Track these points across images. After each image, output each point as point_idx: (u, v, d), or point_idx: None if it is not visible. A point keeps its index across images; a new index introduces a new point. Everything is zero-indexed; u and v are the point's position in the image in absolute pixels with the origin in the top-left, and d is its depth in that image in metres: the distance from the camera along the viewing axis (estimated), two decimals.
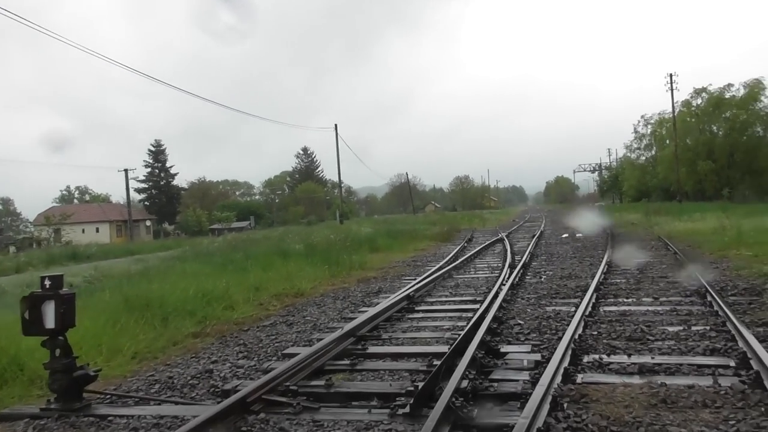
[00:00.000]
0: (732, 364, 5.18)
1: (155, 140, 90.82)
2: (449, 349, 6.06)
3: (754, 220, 18.48)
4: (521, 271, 12.78)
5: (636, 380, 4.95)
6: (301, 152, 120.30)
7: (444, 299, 9.97)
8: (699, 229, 19.84)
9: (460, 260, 15.97)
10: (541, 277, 11.87)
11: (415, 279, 12.49)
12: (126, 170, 49.02)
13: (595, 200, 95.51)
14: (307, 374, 5.98)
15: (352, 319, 8.64)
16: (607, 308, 8.25)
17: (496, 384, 5.09)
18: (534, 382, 5.04)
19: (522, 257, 15.34)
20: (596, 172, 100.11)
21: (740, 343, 5.66)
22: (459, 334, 6.74)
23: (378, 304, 9.61)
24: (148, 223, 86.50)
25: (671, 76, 43.58)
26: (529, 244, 19.49)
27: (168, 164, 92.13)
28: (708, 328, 6.57)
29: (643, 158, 60.40)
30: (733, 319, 6.51)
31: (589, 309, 8.00)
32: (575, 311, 7.76)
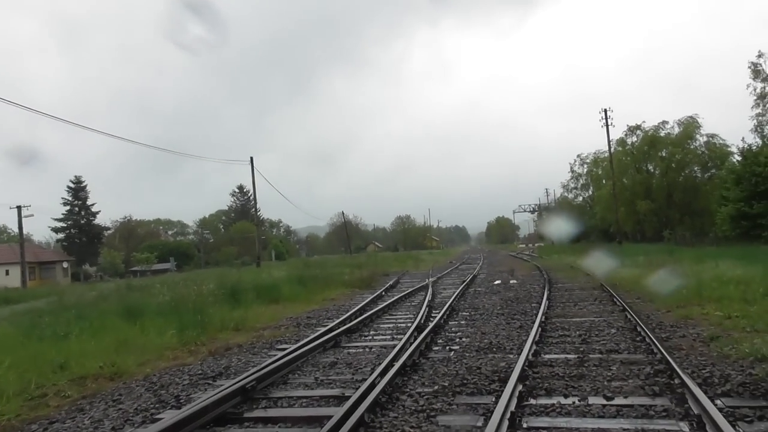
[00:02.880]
0: None
1: (75, 176, 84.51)
2: None
3: (707, 267, 16.08)
4: (430, 336, 9.61)
5: None
6: (237, 190, 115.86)
7: (297, 395, 6.58)
8: (647, 276, 17.26)
9: (363, 316, 12.73)
10: (451, 349, 8.67)
11: (287, 349, 9.11)
12: (19, 207, 43.35)
13: (534, 241, 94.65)
14: None
15: None
16: (533, 422, 5.07)
17: None
18: None
19: (440, 312, 12.26)
20: (536, 213, 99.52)
21: None
22: None
23: (194, 401, 6.18)
24: (65, 264, 79.31)
25: (606, 111, 42.25)
26: (454, 293, 16.49)
27: (89, 202, 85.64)
28: None
29: (581, 198, 59.41)
30: None
31: (505, 426, 4.81)
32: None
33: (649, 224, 43.99)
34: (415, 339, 9.27)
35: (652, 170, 46.79)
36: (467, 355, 8.10)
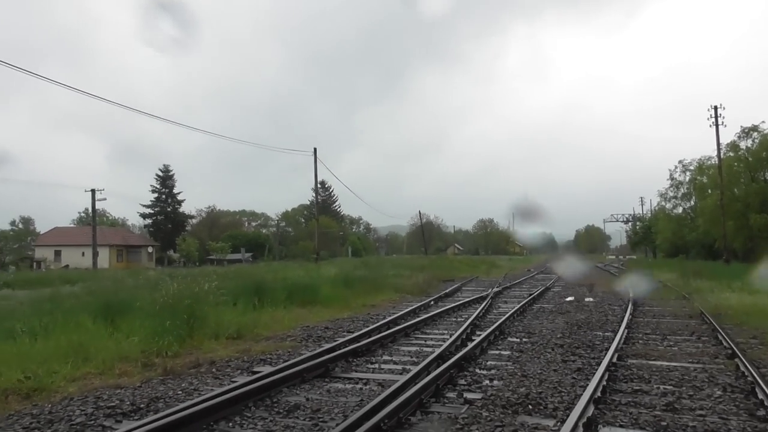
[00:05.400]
0: None
1: (163, 165, 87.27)
2: None
3: None
4: (451, 372, 7.08)
5: None
6: (319, 186, 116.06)
7: None
8: (764, 307, 13.64)
9: (388, 332, 10.40)
10: (467, 401, 6.04)
11: (258, 373, 6.88)
12: (93, 190, 44.00)
13: (625, 253, 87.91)
14: None
15: None
16: None
17: None
18: None
19: (482, 335, 9.68)
20: (629, 223, 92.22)
21: None
22: None
23: None
24: (150, 249, 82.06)
25: (716, 108, 36.75)
26: (513, 309, 13.74)
27: (176, 190, 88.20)
28: None
29: (680, 209, 53.40)
30: None
31: None
32: None
33: (764, 242, 38.11)
34: (429, 374, 6.77)
35: None
36: (484, 414, 5.47)
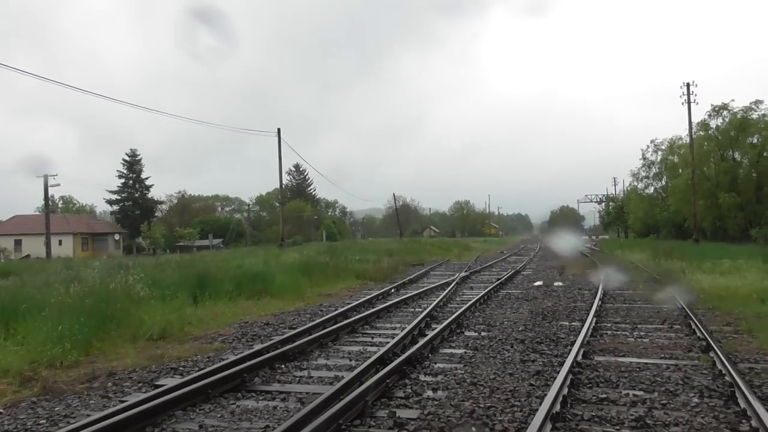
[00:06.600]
0: None
1: (130, 150, 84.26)
2: None
3: None
4: (388, 381, 6.02)
5: None
6: (293, 169, 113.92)
7: None
8: (737, 289, 12.88)
9: (332, 327, 9.32)
10: (397, 423, 4.97)
11: (161, 388, 5.74)
12: (45, 176, 41.71)
13: (598, 233, 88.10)
14: None
15: None
16: None
17: None
18: None
19: (437, 329, 8.68)
20: (602, 204, 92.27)
21: None
22: None
23: None
24: (116, 236, 79.51)
25: (688, 85, 36.12)
26: (477, 297, 12.81)
27: (143, 175, 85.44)
28: None
29: (652, 188, 53.30)
30: None
31: None
32: None
33: (732, 221, 38.04)
34: (361, 385, 5.71)
35: (739, 159, 40.66)
36: None
